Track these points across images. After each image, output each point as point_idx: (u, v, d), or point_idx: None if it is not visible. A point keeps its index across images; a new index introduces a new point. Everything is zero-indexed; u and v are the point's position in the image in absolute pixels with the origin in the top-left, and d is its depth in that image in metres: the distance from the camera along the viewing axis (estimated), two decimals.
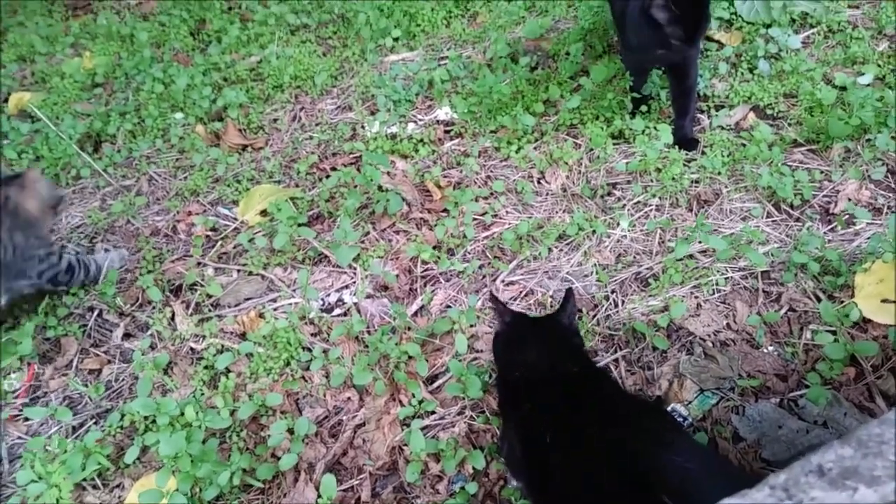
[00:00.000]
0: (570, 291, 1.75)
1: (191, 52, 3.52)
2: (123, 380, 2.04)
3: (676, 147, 2.46)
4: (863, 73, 2.63)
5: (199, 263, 2.36)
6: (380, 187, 2.45)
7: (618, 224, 2.28)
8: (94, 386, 1.99)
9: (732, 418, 1.70)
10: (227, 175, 2.75)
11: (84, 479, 1.75)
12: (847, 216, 2.17)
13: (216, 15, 3.75)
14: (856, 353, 1.76)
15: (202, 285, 2.26)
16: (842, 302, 1.90)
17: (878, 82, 2.61)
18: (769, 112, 2.60)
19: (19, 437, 1.92)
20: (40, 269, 2.09)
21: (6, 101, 3.26)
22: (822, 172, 2.33)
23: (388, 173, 2.55)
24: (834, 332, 1.83)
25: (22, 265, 2.04)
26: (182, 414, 1.81)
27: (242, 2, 3.84)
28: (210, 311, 2.21)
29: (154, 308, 2.21)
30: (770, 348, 1.86)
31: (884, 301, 1.84)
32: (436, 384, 1.93)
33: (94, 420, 1.93)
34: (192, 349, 2.09)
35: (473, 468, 1.68)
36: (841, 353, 1.75)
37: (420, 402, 1.83)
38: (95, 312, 2.22)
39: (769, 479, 0.81)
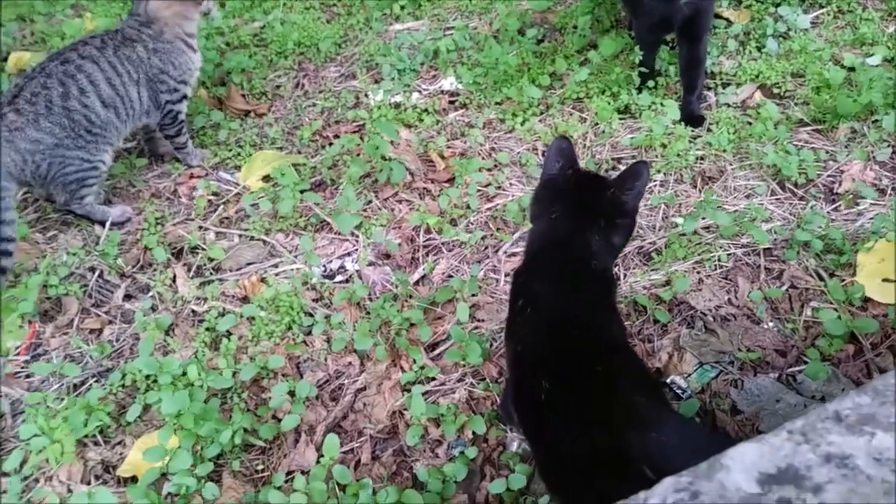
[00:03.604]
0: (643, 164, 1.46)
1: None
2: (124, 340, 2.04)
3: (682, 123, 2.45)
4: (872, 55, 2.63)
5: (200, 227, 2.35)
6: (383, 156, 2.43)
7: None
8: (98, 345, 1.99)
9: (731, 391, 1.72)
10: (229, 140, 2.73)
11: (86, 436, 1.75)
12: (852, 195, 2.17)
13: None
14: (856, 330, 1.77)
15: (204, 249, 2.25)
16: (843, 280, 1.91)
17: (886, 64, 2.60)
18: (776, 91, 2.59)
19: (19, 395, 1.92)
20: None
21: (6, 59, 3.21)
22: (827, 152, 2.32)
23: (392, 142, 2.54)
24: (836, 309, 1.84)
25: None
26: (184, 374, 1.81)
27: None
28: (212, 274, 2.21)
29: (155, 270, 2.21)
30: (770, 324, 1.87)
31: (884, 280, 1.85)
32: (436, 351, 1.93)
33: (95, 378, 1.93)
34: (193, 311, 2.09)
35: (473, 433, 1.69)
36: (841, 330, 1.76)
37: (421, 368, 1.84)
38: (96, 273, 2.21)
39: (786, 424, 0.82)
